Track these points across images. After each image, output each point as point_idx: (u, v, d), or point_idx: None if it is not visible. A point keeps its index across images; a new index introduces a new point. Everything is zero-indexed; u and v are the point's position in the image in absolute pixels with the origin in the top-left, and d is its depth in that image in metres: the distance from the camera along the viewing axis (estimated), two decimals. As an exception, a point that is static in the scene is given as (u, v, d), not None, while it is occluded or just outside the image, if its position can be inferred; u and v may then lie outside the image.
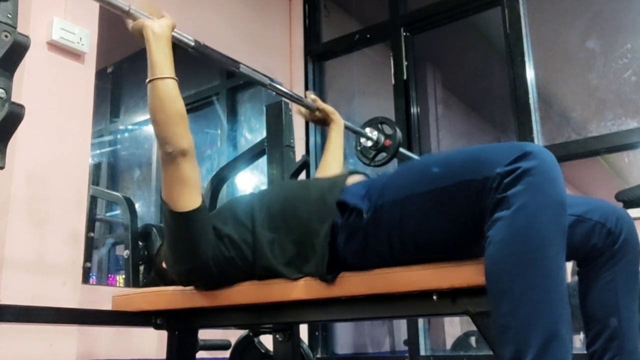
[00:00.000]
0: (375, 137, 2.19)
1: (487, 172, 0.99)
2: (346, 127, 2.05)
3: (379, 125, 2.22)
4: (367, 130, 2.21)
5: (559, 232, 0.96)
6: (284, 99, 2.01)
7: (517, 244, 0.94)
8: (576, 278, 1.34)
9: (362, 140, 2.22)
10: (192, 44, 1.52)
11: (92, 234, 2.71)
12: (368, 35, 3.31)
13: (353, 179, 1.34)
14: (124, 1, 1.38)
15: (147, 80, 1.31)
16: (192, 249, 1.30)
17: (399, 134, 2.18)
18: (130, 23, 1.38)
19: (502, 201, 0.96)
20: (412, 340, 2.77)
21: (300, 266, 1.27)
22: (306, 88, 3.41)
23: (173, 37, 1.42)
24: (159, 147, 1.29)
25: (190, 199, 1.28)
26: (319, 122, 2.04)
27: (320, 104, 1.99)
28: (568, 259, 1.32)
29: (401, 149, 2.22)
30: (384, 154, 2.20)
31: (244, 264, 1.32)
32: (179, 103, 1.30)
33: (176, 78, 1.31)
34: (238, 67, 1.72)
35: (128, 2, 1.38)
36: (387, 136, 2.19)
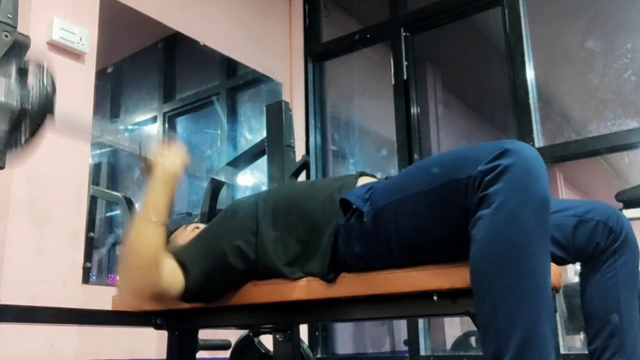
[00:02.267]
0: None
1: (469, 171, 0.99)
2: None
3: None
4: None
5: (540, 230, 0.94)
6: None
7: (498, 242, 0.94)
8: (576, 279, 1.35)
9: None
10: None
11: (92, 234, 2.70)
12: (368, 35, 3.31)
13: (363, 181, 1.34)
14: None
15: (136, 217, 1.25)
16: (212, 287, 1.32)
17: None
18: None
19: (483, 199, 0.96)
20: (412, 340, 2.77)
21: (302, 265, 1.27)
22: (306, 88, 3.41)
23: None
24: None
25: (177, 285, 1.27)
26: None
27: None
28: (574, 261, 1.33)
29: None
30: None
31: (247, 266, 1.32)
32: (158, 252, 1.22)
33: (167, 225, 1.24)
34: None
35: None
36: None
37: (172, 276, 1.26)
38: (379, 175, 1.43)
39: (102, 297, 1.70)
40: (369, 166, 3.73)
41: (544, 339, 0.91)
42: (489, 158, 0.97)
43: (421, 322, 2.79)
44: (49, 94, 1.08)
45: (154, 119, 3.87)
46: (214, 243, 1.33)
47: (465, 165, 1.01)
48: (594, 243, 1.28)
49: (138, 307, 1.52)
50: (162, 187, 1.26)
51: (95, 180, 3.56)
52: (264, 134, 2.14)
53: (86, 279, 2.38)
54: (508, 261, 0.93)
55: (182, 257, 1.30)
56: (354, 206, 1.18)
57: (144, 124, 4.02)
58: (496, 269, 0.94)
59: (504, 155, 0.96)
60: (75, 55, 2.11)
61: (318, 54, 3.49)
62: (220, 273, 1.31)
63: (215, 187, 2.36)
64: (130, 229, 1.22)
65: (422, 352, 2.75)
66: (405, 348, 2.84)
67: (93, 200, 2.76)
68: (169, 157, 1.30)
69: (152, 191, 1.26)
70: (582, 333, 2.52)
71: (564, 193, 3.87)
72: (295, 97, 3.38)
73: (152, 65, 3.74)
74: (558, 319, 2.42)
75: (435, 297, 1.11)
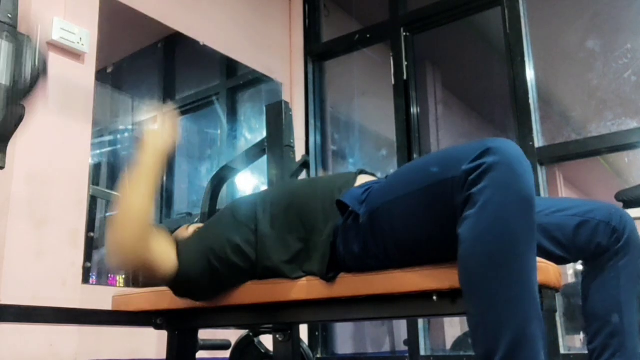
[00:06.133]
0: None
1: (454, 171, 0.98)
2: None
3: None
4: None
5: (526, 229, 0.93)
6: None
7: (483, 242, 0.93)
8: (576, 279, 1.35)
9: None
10: None
11: (92, 234, 2.71)
12: (368, 35, 3.31)
13: (362, 179, 1.33)
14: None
15: (125, 185, 1.25)
16: (203, 286, 1.32)
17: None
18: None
19: (468, 199, 0.95)
20: (412, 340, 2.77)
21: (302, 264, 1.27)
22: (306, 88, 3.41)
23: None
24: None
25: (168, 264, 1.26)
26: None
27: None
28: (574, 260, 1.33)
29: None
30: None
31: (247, 264, 1.31)
32: (148, 215, 1.23)
33: (152, 203, 1.26)
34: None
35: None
36: None
37: (164, 253, 1.26)
38: (379, 174, 1.43)
39: (102, 297, 1.70)
40: (368, 166, 3.73)
41: (533, 338, 0.90)
42: (472, 157, 0.96)
43: (421, 322, 2.79)
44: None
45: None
46: (214, 239, 1.32)
47: (450, 165, 1.00)
48: (595, 243, 1.27)
49: (138, 307, 1.52)
50: (151, 160, 1.28)
51: (95, 180, 3.56)
52: (264, 134, 2.14)
53: (86, 279, 2.39)
54: (495, 261, 0.92)
55: (178, 243, 1.31)
56: (350, 208, 1.19)
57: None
58: (483, 269, 0.93)
59: (487, 154, 0.95)
60: (75, 55, 2.11)
61: (318, 54, 3.49)
62: (219, 269, 1.31)
63: (215, 187, 2.37)
64: (121, 196, 1.24)
65: (422, 352, 2.75)
66: (405, 348, 2.84)
67: (93, 200, 2.76)
68: (159, 133, 1.33)
69: (142, 162, 1.27)
70: (582, 333, 2.52)
71: (563, 193, 3.87)
72: (295, 97, 3.38)
73: (152, 65, 3.74)
74: (558, 319, 2.42)
75: (435, 297, 1.11)
